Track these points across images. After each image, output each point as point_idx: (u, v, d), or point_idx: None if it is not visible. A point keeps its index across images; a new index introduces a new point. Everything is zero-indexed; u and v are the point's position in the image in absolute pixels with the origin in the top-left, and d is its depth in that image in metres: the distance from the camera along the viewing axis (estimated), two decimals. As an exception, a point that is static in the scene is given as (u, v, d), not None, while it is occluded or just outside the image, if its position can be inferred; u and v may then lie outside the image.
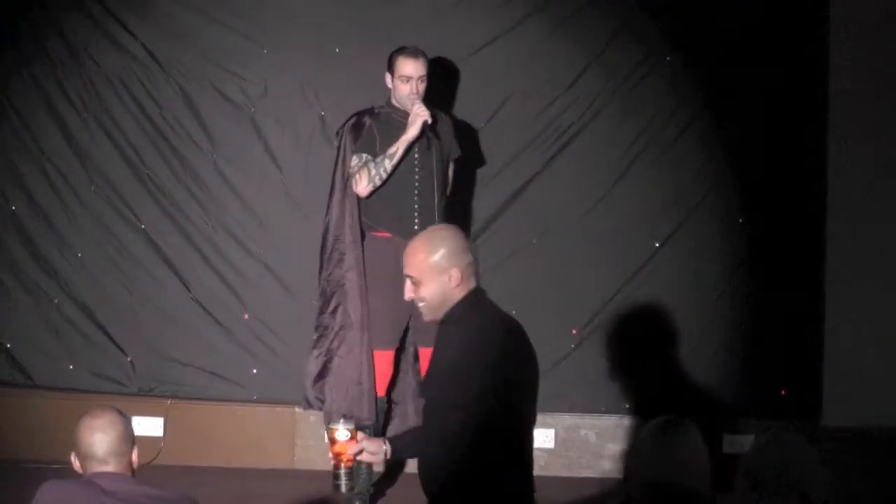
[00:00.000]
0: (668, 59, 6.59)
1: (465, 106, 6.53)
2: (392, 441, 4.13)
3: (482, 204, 6.60)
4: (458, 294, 4.07)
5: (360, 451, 4.01)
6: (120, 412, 3.64)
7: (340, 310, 5.99)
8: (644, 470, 3.21)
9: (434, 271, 4.05)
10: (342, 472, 3.98)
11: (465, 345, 4.03)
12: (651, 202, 6.62)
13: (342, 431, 3.98)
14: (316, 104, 6.59)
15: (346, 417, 4.07)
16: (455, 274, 4.04)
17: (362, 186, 5.81)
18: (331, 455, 4.00)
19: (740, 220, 6.60)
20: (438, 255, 4.05)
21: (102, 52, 6.63)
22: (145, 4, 6.62)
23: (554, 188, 6.62)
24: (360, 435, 4.03)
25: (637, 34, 6.57)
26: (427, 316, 4.13)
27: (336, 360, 5.99)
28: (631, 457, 3.27)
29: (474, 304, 4.09)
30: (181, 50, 6.63)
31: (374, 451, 4.04)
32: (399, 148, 5.76)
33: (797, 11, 6.52)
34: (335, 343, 6.00)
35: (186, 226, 6.65)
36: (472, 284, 4.10)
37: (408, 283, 4.11)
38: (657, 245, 6.61)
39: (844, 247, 6.36)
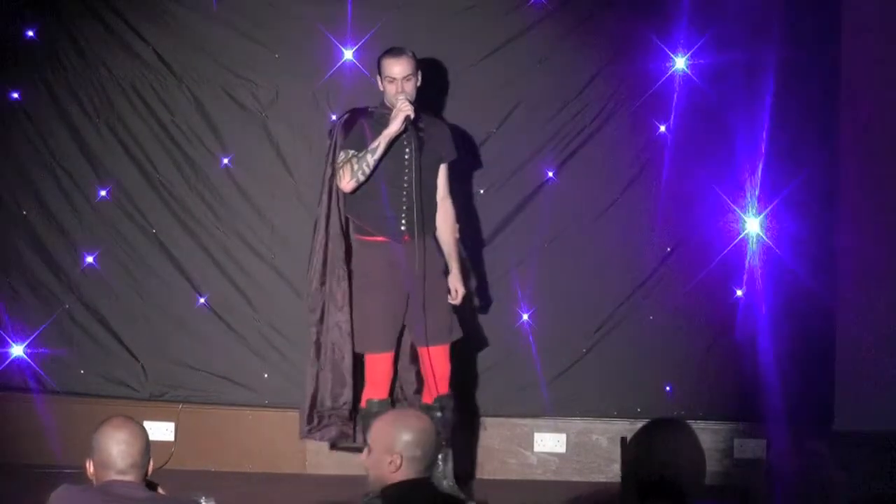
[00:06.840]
0: (678, 65, 6.58)
1: (475, 112, 6.53)
2: None
3: (492, 209, 6.60)
4: None
5: None
6: (140, 424, 3.68)
7: (327, 312, 6.02)
8: (636, 465, 3.24)
9: None
10: None
11: None
12: (662, 207, 6.61)
13: None
14: (327, 109, 6.60)
15: (207, 495, 4.02)
16: None
17: (345, 181, 5.82)
18: None
19: (752, 225, 6.59)
20: None
21: (115, 59, 6.65)
22: (157, 11, 6.63)
23: (564, 194, 6.61)
24: None
25: (647, 41, 6.55)
26: None
27: (326, 356, 6.03)
28: (624, 454, 3.30)
29: None
30: (193, 56, 6.64)
31: None
32: (380, 143, 5.76)
33: (810, 20, 6.51)
34: (323, 345, 6.03)
35: (198, 231, 6.66)
36: None
37: None
38: (668, 250, 6.61)
39: (856, 251, 6.35)
